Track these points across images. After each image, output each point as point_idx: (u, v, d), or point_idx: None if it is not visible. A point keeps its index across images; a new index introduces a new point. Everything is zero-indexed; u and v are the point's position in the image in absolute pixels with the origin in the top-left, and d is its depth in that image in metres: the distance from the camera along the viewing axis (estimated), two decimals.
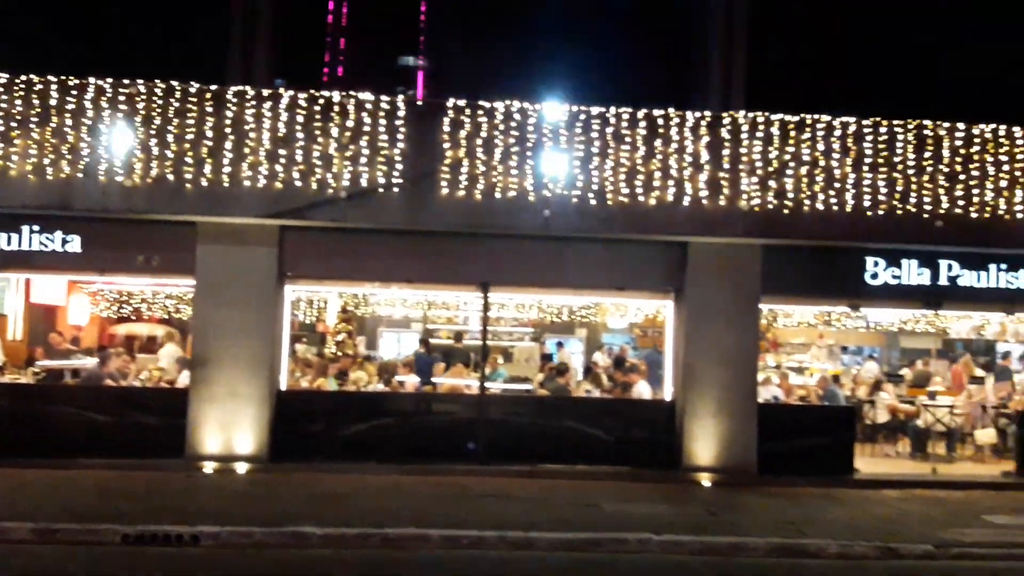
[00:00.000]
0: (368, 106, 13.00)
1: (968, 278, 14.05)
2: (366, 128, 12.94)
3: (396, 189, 12.95)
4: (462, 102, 13.10)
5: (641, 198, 13.20)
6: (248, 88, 13.04)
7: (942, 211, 13.48)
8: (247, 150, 12.85)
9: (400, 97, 13.30)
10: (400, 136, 12.97)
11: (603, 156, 13.19)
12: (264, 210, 12.86)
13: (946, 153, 13.56)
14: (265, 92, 13.02)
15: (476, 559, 9.35)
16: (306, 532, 9.66)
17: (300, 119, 12.93)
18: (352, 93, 13.07)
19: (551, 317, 19.63)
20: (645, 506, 11.55)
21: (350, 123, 12.93)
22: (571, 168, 13.14)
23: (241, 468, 12.90)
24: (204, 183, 12.76)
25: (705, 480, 13.34)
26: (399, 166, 12.94)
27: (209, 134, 12.84)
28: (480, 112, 13.09)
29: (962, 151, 13.58)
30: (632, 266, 13.79)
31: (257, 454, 13.04)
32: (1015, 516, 11.71)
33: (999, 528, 11.06)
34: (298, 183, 12.84)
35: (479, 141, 13.04)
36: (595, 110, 13.26)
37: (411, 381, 14.92)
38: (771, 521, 10.97)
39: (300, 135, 12.91)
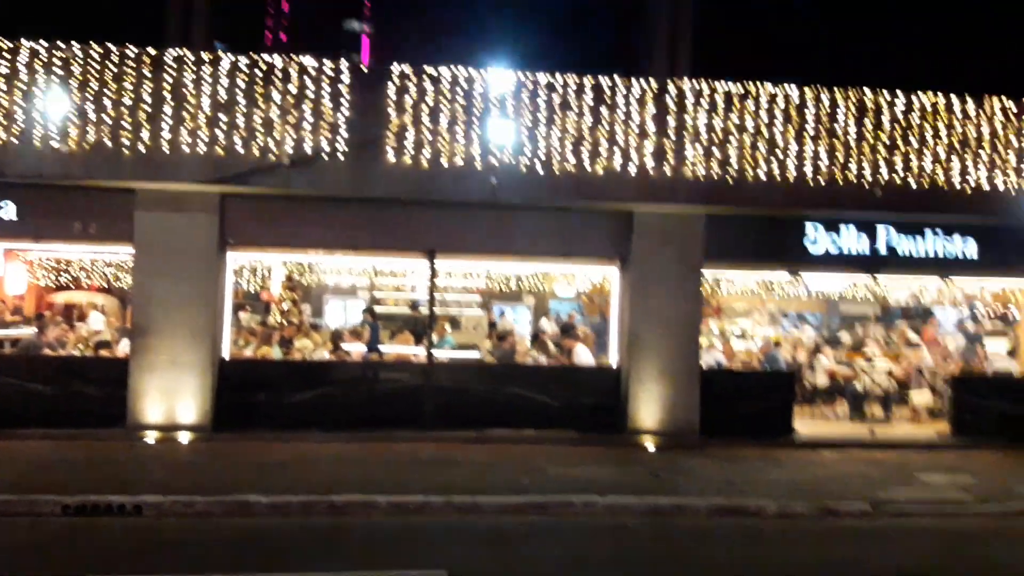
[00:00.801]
0: (311, 71, 12.81)
1: (906, 245, 14.39)
2: (309, 93, 12.76)
3: (340, 156, 12.81)
4: (408, 68, 12.97)
5: (588, 166, 13.24)
6: (188, 52, 12.75)
7: (881, 179, 13.74)
8: (187, 115, 12.60)
9: (344, 62, 13.12)
10: (344, 102, 12.81)
11: (550, 124, 13.19)
12: (205, 176, 12.63)
13: (886, 122, 13.80)
14: (205, 56, 12.75)
15: (423, 524, 9.42)
16: (251, 501, 9.64)
17: (242, 84, 12.70)
18: (295, 57, 12.86)
19: (499, 285, 19.64)
20: (590, 469, 11.70)
21: (293, 88, 12.74)
22: (518, 135, 13.11)
23: (184, 438, 12.77)
24: (143, 149, 12.50)
25: (649, 443, 13.54)
26: (344, 132, 12.80)
27: (148, 99, 12.55)
28: (426, 78, 12.98)
29: (902, 120, 13.84)
30: (579, 234, 13.85)
31: (200, 423, 12.93)
32: (949, 475, 12.08)
33: (933, 487, 11.42)
34: (240, 149, 12.63)
35: (425, 107, 12.94)
36: (542, 77, 13.22)
37: (357, 349, 14.85)
38: (713, 483, 11.21)
39: (242, 100, 12.68)
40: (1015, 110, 14.02)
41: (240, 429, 13.00)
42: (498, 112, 13.07)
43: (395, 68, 12.98)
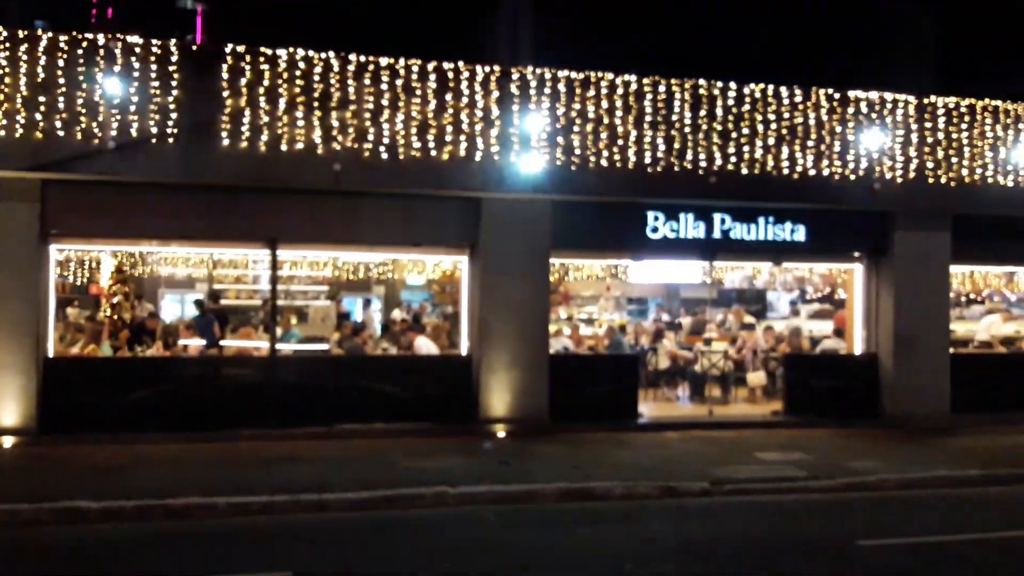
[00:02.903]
0: (138, 50, 12.11)
1: (740, 231, 14.91)
2: (136, 74, 12.07)
3: (171, 140, 12.18)
4: (241, 48, 12.43)
5: (434, 153, 13.09)
6: (2, 29, 11.82)
7: (716, 167, 14.20)
8: (2, 97, 11.70)
9: (173, 41, 12.45)
10: (174, 83, 12.18)
11: (394, 109, 12.95)
12: (22, 162, 11.76)
13: (719, 112, 14.26)
14: (21, 33, 11.86)
15: (267, 525, 9.11)
16: (80, 507, 9.10)
17: (62, 63, 11.88)
18: (119, 36, 12.12)
19: (347, 275, 19.27)
20: (441, 460, 11.63)
21: (118, 68, 12.02)
22: (361, 120, 12.82)
23: (7, 442, 11.93)
24: None
25: (500, 431, 13.57)
26: (174, 115, 12.17)
27: None
28: (262, 59, 12.49)
29: (734, 110, 14.33)
30: (427, 221, 13.68)
31: (24, 426, 12.07)
32: (783, 452, 12.63)
33: (768, 464, 11.91)
34: (61, 133, 11.82)
35: (262, 90, 12.45)
36: (384, 61, 12.96)
37: (196, 344, 14.24)
38: (560, 467, 11.33)
39: (63, 81, 11.86)
40: (839, 100, 14.75)
41: (69, 432, 12.21)
42: (339, 96, 12.73)
43: (228, 48, 12.41)
